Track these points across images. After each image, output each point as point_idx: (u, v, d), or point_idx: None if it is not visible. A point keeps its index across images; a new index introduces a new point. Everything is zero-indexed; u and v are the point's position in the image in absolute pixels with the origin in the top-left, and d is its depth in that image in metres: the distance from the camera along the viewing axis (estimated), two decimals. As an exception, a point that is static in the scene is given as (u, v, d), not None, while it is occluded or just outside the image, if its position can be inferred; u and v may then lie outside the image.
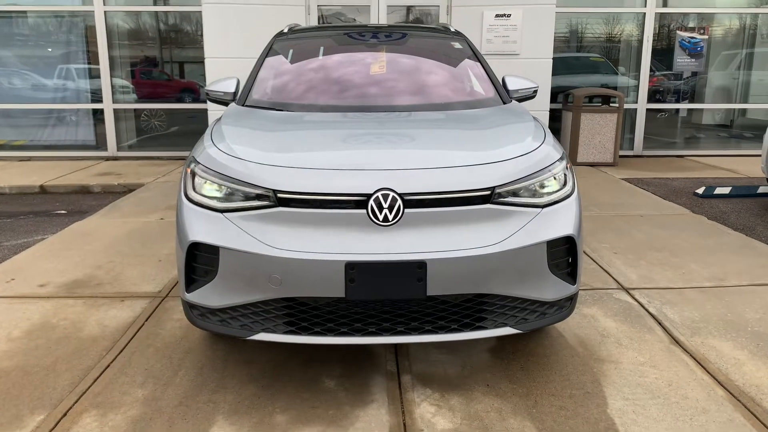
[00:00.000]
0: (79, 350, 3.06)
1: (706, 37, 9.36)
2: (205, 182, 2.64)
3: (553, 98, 8.71)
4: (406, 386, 2.73)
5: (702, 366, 2.88)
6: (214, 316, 2.58)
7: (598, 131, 8.38)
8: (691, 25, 9.45)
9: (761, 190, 6.58)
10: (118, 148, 9.27)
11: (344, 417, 2.50)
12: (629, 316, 3.43)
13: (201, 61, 8.57)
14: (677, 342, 3.13)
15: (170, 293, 3.78)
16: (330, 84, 3.80)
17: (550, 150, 2.82)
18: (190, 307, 2.64)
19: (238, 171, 2.58)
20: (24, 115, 9.43)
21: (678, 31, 9.36)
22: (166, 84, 9.93)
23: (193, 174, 2.70)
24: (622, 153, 8.97)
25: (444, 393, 2.67)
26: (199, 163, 2.73)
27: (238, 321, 2.54)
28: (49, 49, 9.38)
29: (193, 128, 9.25)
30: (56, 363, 2.93)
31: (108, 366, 2.90)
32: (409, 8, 8.76)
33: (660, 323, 3.34)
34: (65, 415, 2.51)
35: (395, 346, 3.08)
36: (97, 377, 2.80)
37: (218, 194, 2.59)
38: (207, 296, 2.55)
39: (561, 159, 2.80)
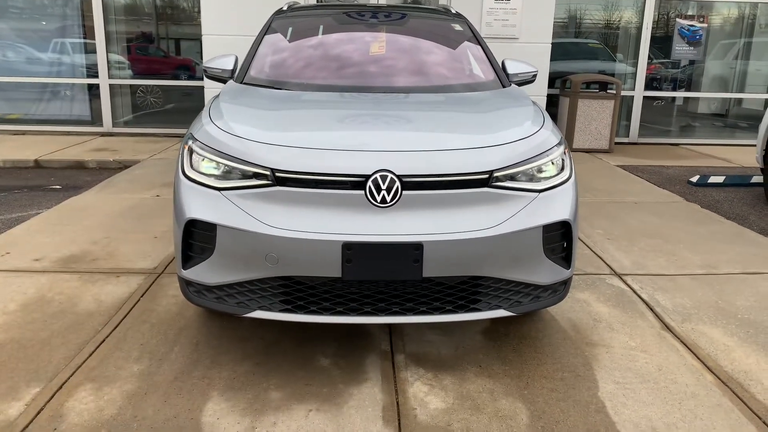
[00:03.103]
0: (74, 325, 3.07)
1: (705, 25, 9.34)
2: (203, 160, 2.63)
3: (551, 83, 8.70)
4: (400, 366, 2.76)
5: (692, 351, 2.93)
6: (210, 293, 2.59)
7: (594, 118, 8.38)
8: (690, 13, 9.42)
9: (755, 179, 6.62)
10: (114, 124, 9.20)
11: (338, 395, 2.53)
12: (621, 302, 3.47)
13: (197, 39, 8.49)
14: (668, 328, 3.17)
15: (166, 270, 3.79)
16: (329, 63, 3.78)
17: (549, 135, 2.82)
18: (186, 284, 2.65)
19: (236, 149, 2.58)
20: (18, 89, 9.33)
21: (677, 19, 9.34)
22: (162, 60, 9.84)
23: (191, 151, 2.69)
24: (617, 140, 8.99)
25: (437, 373, 2.70)
26: (196, 140, 2.72)
27: (234, 298, 2.55)
28: (44, 23, 9.26)
29: (190, 105, 9.18)
30: (52, 337, 2.94)
31: (103, 341, 2.91)
32: (408, -11, 8.68)
33: (652, 309, 3.38)
34: (61, 388, 2.52)
35: (390, 326, 3.11)
36: (93, 352, 2.81)
37: (216, 172, 2.59)
38: (203, 273, 2.56)
39: (559, 144, 2.80)
